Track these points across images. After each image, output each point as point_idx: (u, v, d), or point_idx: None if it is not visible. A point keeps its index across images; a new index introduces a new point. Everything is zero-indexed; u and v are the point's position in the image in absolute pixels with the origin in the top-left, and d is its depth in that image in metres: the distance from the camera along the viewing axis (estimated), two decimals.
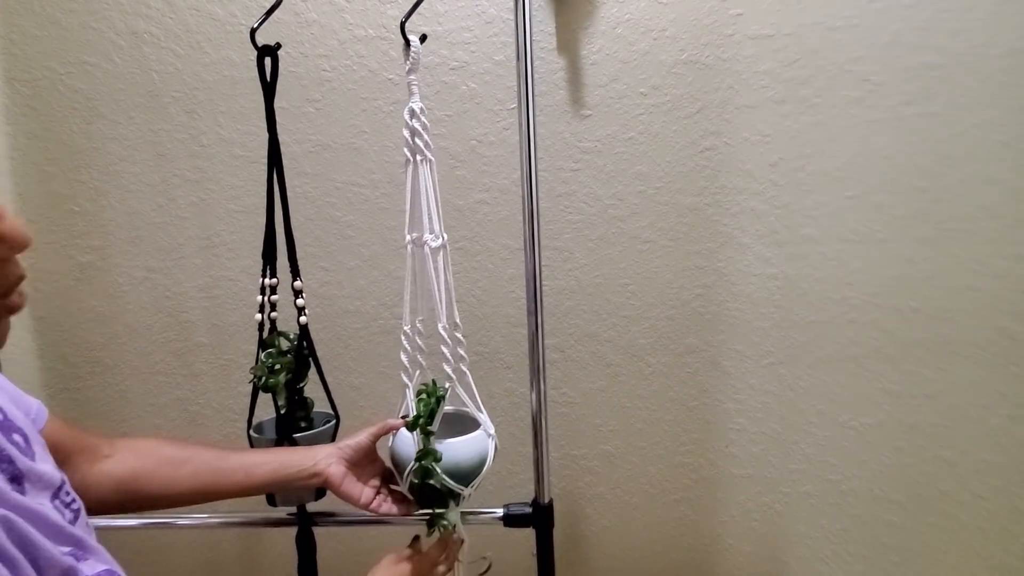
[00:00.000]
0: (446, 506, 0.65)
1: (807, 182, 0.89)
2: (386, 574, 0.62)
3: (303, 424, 0.74)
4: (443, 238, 0.67)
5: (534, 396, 0.77)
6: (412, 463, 0.64)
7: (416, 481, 0.65)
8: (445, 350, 0.67)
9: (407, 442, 0.66)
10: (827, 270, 0.90)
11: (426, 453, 0.64)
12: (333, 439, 0.75)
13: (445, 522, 0.66)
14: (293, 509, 0.76)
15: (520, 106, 0.73)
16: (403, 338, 0.68)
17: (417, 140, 0.66)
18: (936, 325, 0.89)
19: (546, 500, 0.76)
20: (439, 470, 0.64)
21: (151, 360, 0.96)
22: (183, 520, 0.79)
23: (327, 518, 0.77)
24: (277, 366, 0.69)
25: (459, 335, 0.69)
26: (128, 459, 0.60)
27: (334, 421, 0.76)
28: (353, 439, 0.67)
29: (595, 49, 0.89)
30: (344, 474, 0.66)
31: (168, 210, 0.94)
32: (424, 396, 0.67)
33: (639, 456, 0.97)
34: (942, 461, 0.91)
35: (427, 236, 0.65)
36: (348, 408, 0.79)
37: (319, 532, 0.78)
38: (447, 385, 0.68)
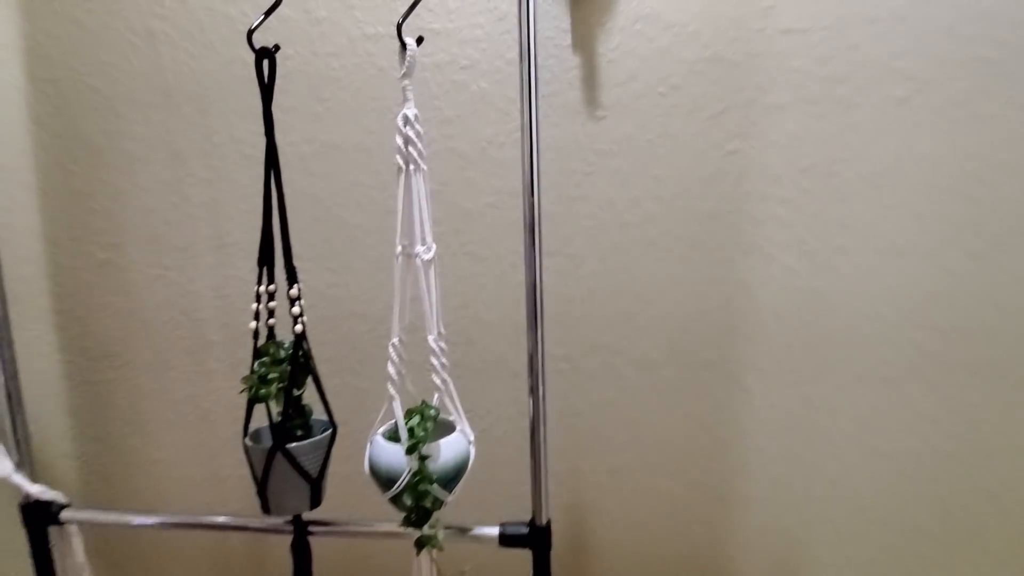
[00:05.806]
0: (428, 517, 0.64)
1: (841, 189, 0.82)
2: None
3: (299, 432, 0.74)
4: (433, 250, 0.65)
5: (532, 407, 0.74)
6: (403, 477, 0.63)
7: (409, 502, 0.64)
8: (435, 361, 0.65)
9: (389, 453, 0.64)
10: (860, 284, 0.83)
11: (423, 477, 0.62)
12: (330, 448, 0.74)
13: (435, 543, 0.65)
14: (289, 517, 0.76)
15: (523, 107, 0.70)
16: (391, 349, 0.66)
17: (410, 148, 0.63)
18: (982, 346, 0.81)
19: (544, 520, 0.74)
20: (432, 489, 0.63)
21: (164, 356, 0.98)
22: (179, 519, 0.81)
23: (322, 527, 0.77)
24: (271, 375, 0.69)
25: (442, 344, 0.67)
26: None
27: (331, 430, 0.75)
28: None
29: (612, 46, 0.84)
30: None
31: (182, 209, 0.95)
32: (418, 417, 0.65)
33: (649, 472, 0.93)
34: (983, 492, 0.85)
35: (419, 248, 0.63)
36: (353, 412, 0.78)
37: (316, 539, 0.78)
38: (435, 404, 0.66)
